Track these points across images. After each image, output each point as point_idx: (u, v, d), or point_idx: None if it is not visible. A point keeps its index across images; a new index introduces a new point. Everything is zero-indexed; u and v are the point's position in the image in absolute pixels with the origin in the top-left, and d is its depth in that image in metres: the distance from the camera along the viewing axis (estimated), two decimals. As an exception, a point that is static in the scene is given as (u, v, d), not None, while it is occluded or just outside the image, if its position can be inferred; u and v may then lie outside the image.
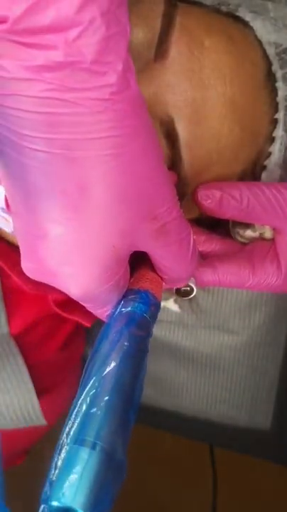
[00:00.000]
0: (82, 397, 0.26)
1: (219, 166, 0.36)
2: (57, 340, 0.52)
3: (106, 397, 0.26)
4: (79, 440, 0.25)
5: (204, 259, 0.39)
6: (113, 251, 0.28)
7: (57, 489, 0.23)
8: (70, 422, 0.26)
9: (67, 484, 0.23)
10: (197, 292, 0.55)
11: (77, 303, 0.32)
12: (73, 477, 0.23)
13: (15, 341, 0.48)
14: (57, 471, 0.24)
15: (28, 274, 0.31)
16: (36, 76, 0.23)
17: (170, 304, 0.57)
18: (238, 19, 0.39)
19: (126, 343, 0.28)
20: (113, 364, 0.27)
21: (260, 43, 0.38)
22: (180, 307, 0.57)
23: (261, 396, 0.62)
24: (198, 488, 0.89)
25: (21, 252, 0.30)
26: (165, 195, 0.29)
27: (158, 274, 0.33)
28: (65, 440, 0.25)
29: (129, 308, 0.31)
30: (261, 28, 0.39)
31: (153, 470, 0.95)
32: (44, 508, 0.23)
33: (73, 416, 0.26)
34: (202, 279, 0.38)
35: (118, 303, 0.31)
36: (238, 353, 0.60)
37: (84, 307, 0.32)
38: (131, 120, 0.25)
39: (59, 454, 0.25)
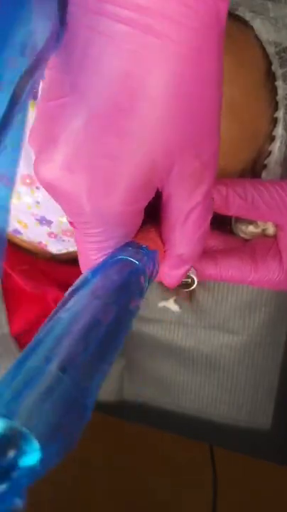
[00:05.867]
0: (72, 315, 0.22)
1: (219, 164, 0.36)
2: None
3: (98, 333, 0.22)
4: (49, 359, 0.20)
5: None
6: (148, 168, 0.25)
7: (10, 404, 0.18)
8: (50, 339, 0.21)
9: (25, 403, 0.18)
10: (197, 292, 0.55)
11: None
12: (33, 397, 0.18)
13: (15, 341, 0.48)
14: (14, 383, 0.19)
15: (45, 177, 0.26)
16: None
17: (170, 304, 0.57)
18: (238, 18, 0.39)
19: (131, 288, 0.25)
20: (114, 307, 0.24)
21: (260, 42, 0.38)
22: (180, 307, 0.57)
23: (261, 396, 0.62)
24: (198, 488, 0.89)
25: (41, 151, 0.26)
26: (213, 140, 0.27)
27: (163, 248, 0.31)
28: (36, 355, 0.20)
29: (135, 260, 0.27)
30: (261, 28, 0.38)
31: (153, 470, 0.95)
32: None
33: (52, 330, 0.21)
34: (204, 271, 0.38)
35: (123, 247, 0.28)
36: (238, 353, 0.60)
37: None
38: (213, 42, 0.24)
39: (21, 364, 0.20)
